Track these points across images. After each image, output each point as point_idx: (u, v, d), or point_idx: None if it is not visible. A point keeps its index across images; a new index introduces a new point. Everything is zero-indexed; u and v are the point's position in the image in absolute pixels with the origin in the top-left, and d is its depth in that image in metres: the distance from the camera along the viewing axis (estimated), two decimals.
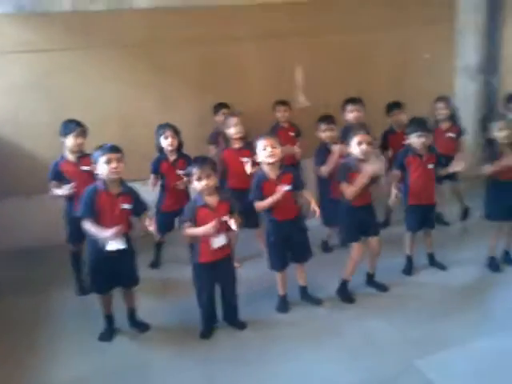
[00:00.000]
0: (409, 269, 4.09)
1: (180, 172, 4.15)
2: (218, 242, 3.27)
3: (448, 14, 6.12)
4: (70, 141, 3.83)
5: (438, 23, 6.02)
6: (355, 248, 3.70)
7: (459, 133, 5.05)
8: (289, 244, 3.55)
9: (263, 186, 3.44)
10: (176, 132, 4.23)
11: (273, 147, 3.42)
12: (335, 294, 3.77)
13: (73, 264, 4.07)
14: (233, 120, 4.25)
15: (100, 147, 3.28)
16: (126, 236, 3.30)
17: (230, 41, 5.25)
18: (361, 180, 3.51)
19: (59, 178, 3.85)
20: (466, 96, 6.26)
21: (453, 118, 5.07)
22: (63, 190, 3.78)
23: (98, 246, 3.21)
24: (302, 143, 4.94)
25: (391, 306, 3.63)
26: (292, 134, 5.05)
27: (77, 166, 3.84)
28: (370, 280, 3.90)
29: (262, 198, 3.44)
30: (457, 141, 5.00)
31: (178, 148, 4.27)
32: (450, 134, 4.96)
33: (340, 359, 3.08)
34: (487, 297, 3.73)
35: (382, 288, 3.84)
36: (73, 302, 3.95)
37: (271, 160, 3.43)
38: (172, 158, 4.25)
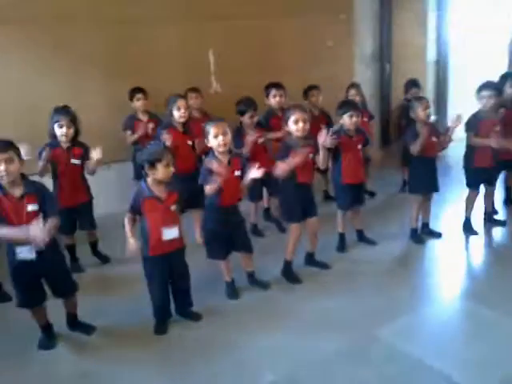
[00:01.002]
0: (342, 246, 4.25)
1: (75, 161, 3.85)
2: (170, 233, 3.09)
3: (347, 3, 6.42)
4: None
5: (339, 11, 6.30)
6: (295, 228, 3.74)
7: (370, 117, 5.39)
8: (229, 231, 3.46)
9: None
10: (73, 120, 3.82)
11: (224, 135, 3.31)
12: (281, 276, 3.79)
13: None
14: (180, 102, 4.09)
15: None
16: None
17: (143, 22, 4.98)
18: (292, 161, 3.49)
19: None
20: (363, 82, 6.61)
21: (363, 103, 5.38)
22: None
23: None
24: None
25: (334, 283, 3.74)
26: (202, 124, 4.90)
27: None
28: (311, 259, 3.97)
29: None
30: (368, 125, 5.30)
31: (74, 137, 3.87)
32: (364, 119, 5.22)
33: (303, 338, 3.08)
34: (415, 269, 4.00)
35: (324, 266, 3.93)
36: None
37: (223, 149, 3.34)
38: (66, 145, 3.85)
